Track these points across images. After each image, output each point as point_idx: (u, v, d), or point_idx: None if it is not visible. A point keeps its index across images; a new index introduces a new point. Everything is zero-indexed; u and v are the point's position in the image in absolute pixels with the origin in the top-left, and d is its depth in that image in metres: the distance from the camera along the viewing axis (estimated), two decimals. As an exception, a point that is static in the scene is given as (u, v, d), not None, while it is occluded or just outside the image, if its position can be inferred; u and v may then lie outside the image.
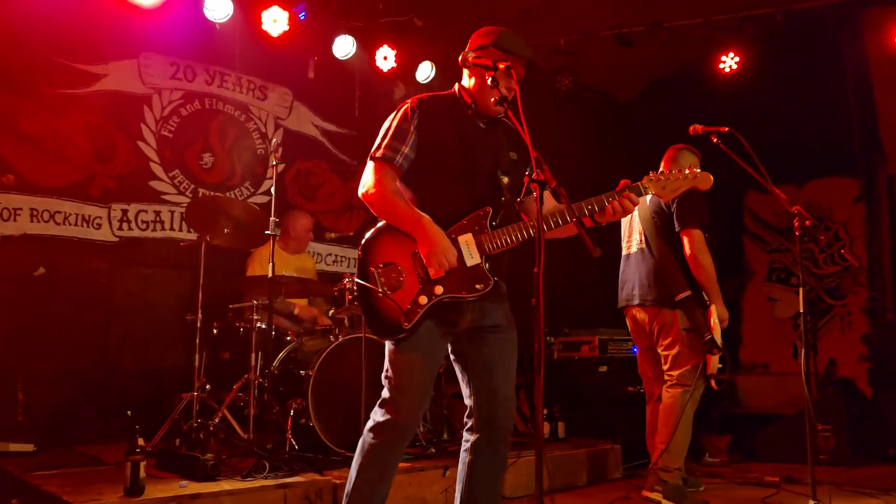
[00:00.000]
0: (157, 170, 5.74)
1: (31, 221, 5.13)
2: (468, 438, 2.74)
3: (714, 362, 4.15)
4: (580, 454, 4.88)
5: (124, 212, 5.55)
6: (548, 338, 6.97)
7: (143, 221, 5.63)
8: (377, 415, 2.65)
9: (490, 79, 2.47)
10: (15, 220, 5.07)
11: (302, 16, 5.76)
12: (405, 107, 2.69)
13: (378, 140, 2.68)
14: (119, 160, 5.57)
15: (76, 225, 5.33)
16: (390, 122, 2.68)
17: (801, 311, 3.46)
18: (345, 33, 6.00)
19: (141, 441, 3.32)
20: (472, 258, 2.56)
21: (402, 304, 2.54)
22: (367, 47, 6.21)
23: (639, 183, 2.61)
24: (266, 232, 4.33)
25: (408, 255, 2.59)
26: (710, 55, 6.89)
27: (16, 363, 4.89)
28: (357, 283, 2.62)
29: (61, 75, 5.33)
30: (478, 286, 2.57)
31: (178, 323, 5.50)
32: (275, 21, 5.57)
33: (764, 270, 7.77)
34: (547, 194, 2.68)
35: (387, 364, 2.65)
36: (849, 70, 6.47)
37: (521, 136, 2.61)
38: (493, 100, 2.54)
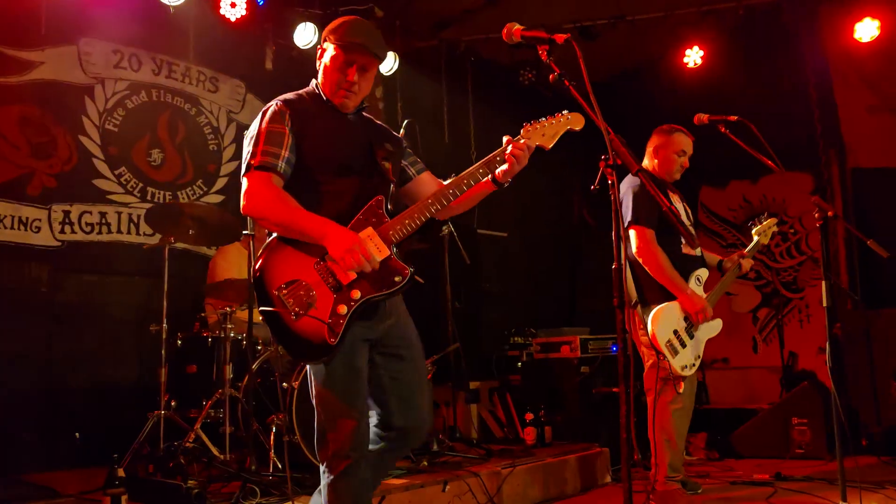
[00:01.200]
0: (102, 167, 5.24)
1: (-39, 225, 4.59)
2: (379, 432, 2.59)
3: (672, 364, 3.85)
4: (571, 460, 4.70)
5: (66, 213, 5.03)
6: (515, 338, 6.82)
7: (87, 223, 5.12)
8: (321, 455, 2.43)
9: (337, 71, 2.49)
10: (-58, 223, 4.53)
11: (261, 1, 5.37)
12: (272, 108, 2.48)
13: (250, 148, 2.44)
14: (59, 156, 5.04)
15: (12, 228, 4.78)
16: (258, 128, 2.45)
17: (825, 304, 3.34)
18: (304, 21, 5.63)
19: (121, 472, 2.92)
20: (381, 252, 2.38)
21: (324, 319, 2.31)
22: (328, 36, 5.87)
23: (520, 134, 2.57)
24: (244, 232, 3.96)
25: (310, 267, 2.36)
26: (673, 50, 6.86)
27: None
28: (263, 311, 2.33)
29: (-10, 62, 4.80)
30: (396, 279, 2.41)
31: (131, 335, 5.06)
32: (233, 6, 5.16)
33: (720, 265, 7.82)
34: (426, 176, 2.74)
35: (316, 393, 2.44)
36: (809, 65, 6.53)
37: (384, 127, 2.73)
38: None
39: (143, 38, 5.44)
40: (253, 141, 2.44)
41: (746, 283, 7.55)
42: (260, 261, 2.39)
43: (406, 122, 4.90)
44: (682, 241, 4.13)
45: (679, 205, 4.30)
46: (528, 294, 7.62)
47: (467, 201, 2.67)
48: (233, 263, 4.70)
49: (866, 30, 6.25)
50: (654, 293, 3.97)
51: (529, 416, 5.03)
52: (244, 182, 2.42)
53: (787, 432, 5.60)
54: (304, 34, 5.69)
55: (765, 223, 4.52)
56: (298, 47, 5.77)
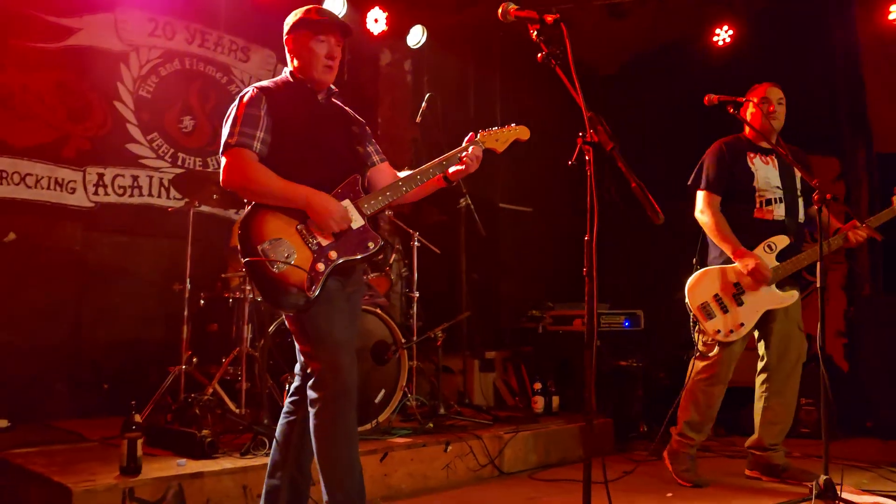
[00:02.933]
0: (135, 132, 5.45)
1: (1, 184, 4.82)
2: (297, 399, 2.78)
3: (704, 327, 3.95)
4: (573, 428, 4.83)
5: (100, 176, 5.26)
6: (533, 311, 6.91)
7: (119, 186, 5.35)
8: (318, 391, 2.59)
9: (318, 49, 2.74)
10: (-17, 181, 4.77)
11: (290, -28, 5.47)
12: (248, 94, 2.69)
13: (227, 129, 2.66)
14: (94, 121, 5.26)
15: (48, 189, 5.03)
16: (235, 112, 2.66)
17: (818, 285, 3.40)
18: (334, -9, 5.73)
19: (138, 418, 3.14)
20: (357, 221, 2.69)
21: (304, 273, 2.54)
22: (358, 8, 5.97)
23: (477, 138, 2.87)
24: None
25: (292, 229, 2.61)
26: (702, 28, 6.80)
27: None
28: (248, 262, 2.55)
29: (31, 28, 4.99)
30: (370, 244, 2.69)
31: (157, 294, 5.27)
32: (264, -25, 5.30)
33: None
34: (385, 166, 2.96)
35: (308, 336, 2.62)
36: (838, 47, 6.43)
37: (350, 111, 2.94)
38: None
39: (177, 7, 5.61)
40: (230, 123, 2.66)
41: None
42: (246, 219, 2.61)
43: (428, 95, 5.02)
44: (757, 205, 4.03)
45: (763, 169, 4.11)
46: (547, 268, 7.69)
47: (420, 193, 2.92)
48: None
49: (903, 10, 6.09)
50: (713, 257, 4.08)
51: (538, 386, 5.16)
52: (223, 160, 2.66)
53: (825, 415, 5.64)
54: (335, 4, 5.78)
55: None
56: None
